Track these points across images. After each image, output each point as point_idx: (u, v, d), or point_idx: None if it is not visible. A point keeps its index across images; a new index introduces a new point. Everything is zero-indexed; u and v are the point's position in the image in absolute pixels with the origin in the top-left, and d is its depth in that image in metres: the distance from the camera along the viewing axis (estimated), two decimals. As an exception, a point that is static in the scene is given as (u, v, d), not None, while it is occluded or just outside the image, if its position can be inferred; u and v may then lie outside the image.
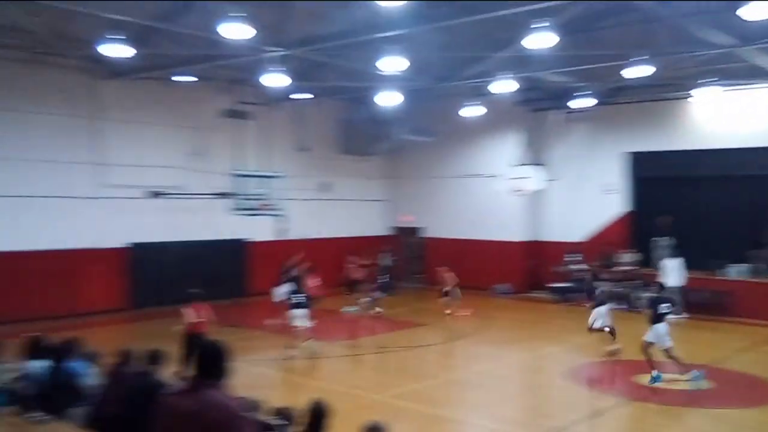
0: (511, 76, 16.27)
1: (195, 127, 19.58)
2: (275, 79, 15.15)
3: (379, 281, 19.46)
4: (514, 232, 22.27)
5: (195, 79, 18.04)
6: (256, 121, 20.28)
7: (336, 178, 23.61)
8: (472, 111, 19.66)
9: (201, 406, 3.66)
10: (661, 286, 12.77)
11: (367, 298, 18.38)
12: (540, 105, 21.45)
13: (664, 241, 18.90)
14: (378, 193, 25.39)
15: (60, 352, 7.16)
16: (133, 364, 7.23)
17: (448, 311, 18.19)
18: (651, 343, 11.27)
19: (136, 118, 18.34)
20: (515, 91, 18.72)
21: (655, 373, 11.24)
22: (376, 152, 23.99)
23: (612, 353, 13.07)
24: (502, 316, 18.72)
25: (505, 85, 16.47)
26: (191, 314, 11.23)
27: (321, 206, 22.98)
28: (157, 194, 18.62)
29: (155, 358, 6.83)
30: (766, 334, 16.02)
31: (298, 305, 13.38)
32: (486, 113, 20.13)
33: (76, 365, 7.28)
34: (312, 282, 15.89)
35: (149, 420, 4.04)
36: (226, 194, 18.17)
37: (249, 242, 20.75)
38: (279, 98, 20.34)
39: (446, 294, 18.45)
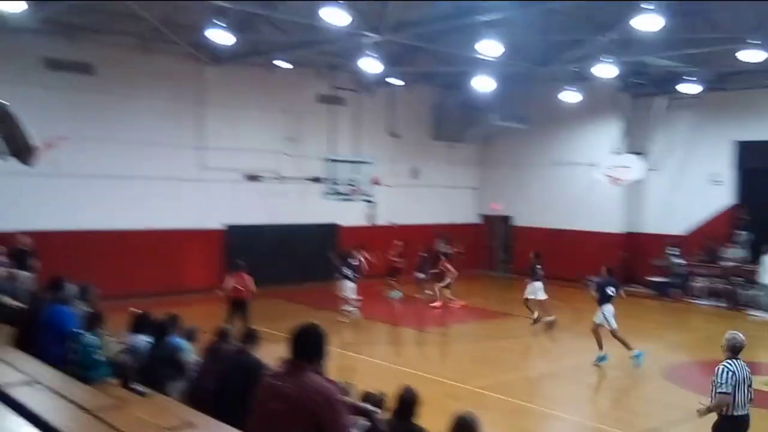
0: (613, 60, 15.62)
1: (291, 112, 19.97)
2: (370, 65, 15.20)
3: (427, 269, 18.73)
4: (611, 223, 21.54)
5: (291, 66, 18.37)
6: (349, 106, 20.47)
7: (426, 164, 23.54)
8: (570, 97, 19.05)
9: (301, 389, 3.70)
10: (610, 271, 13.02)
11: (440, 285, 17.98)
12: (642, 91, 20.53)
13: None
14: (468, 180, 25.14)
15: (162, 328, 7.45)
16: (230, 342, 7.44)
17: (436, 304, 17.68)
18: (599, 325, 11.97)
19: (235, 102, 18.91)
20: (616, 76, 18.01)
21: (601, 353, 11.83)
22: (468, 139, 23.73)
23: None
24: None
25: (606, 70, 15.87)
26: (233, 282, 12.96)
27: (410, 192, 22.99)
28: (252, 177, 19.18)
29: (251, 337, 6.98)
30: None
31: (347, 278, 15.35)
32: (584, 99, 19.47)
33: (176, 341, 7.57)
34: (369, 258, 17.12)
35: (247, 398, 4.12)
36: (319, 179, 18.48)
37: (340, 227, 21.04)
38: (373, 84, 20.45)
39: (448, 287, 17.87)
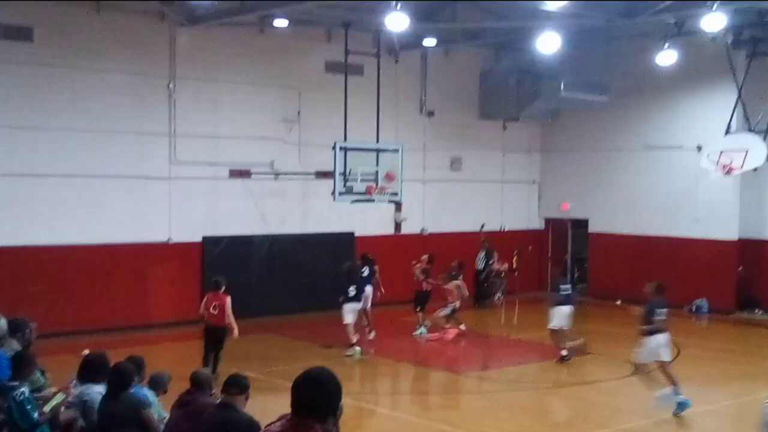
0: (724, 6, 15.44)
1: (290, 86, 20.06)
2: (394, 21, 15.18)
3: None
4: (722, 227, 21.33)
5: (286, 24, 18.42)
6: (368, 77, 20.49)
7: (471, 151, 23.51)
8: (666, 58, 18.86)
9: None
10: (564, 266, 14.58)
11: (445, 312, 17.89)
12: (763, 48, 20.29)
13: None
14: (527, 172, 25.06)
15: (121, 376, 7.46)
16: (209, 392, 7.46)
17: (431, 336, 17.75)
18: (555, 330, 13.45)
19: (217, 75, 19.03)
20: (728, 29, 17.76)
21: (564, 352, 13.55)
22: (527, 117, 23.63)
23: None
24: (700, 345, 17.99)
25: (713, 20, 15.71)
26: (207, 305, 13.44)
27: (450, 189, 22.96)
28: (239, 173, 19.28)
29: (238, 386, 6.98)
30: None
31: (348, 299, 15.84)
32: (684, 61, 19.27)
33: (140, 392, 7.55)
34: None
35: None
36: (328, 174, 18.50)
37: (356, 237, 21.07)
38: (399, 47, 20.44)
39: (453, 313, 17.79)
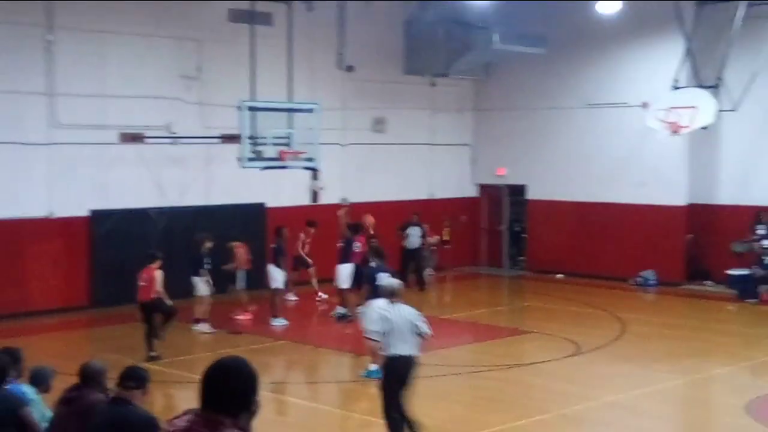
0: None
1: (189, 38, 19.76)
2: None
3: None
4: (670, 192, 21.94)
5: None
6: (279, 28, 20.33)
7: (396, 111, 23.60)
8: (608, 6, 19.22)
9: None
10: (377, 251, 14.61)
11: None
12: (712, -5, 20.84)
13: None
14: (458, 134, 25.30)
15: (-5, 370, 7.37)
16: (98, 387, 7.33)
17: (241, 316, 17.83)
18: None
19: (102, 26, 18.57)
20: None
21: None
22: (458, 72, 23.80)
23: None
24: (646, 320, 18.55)
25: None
26: (140, 280, 14.33)
27: (371, 154, 23.03)
28: (131, 138, 18.96)
29: (134, 379, 6.92)
30: None
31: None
32: (628, 10, 19.74)
33: (17, 389, 7.42)
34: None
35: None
36: (234, 137, 18.35)
37: (267, 208, 20.99)
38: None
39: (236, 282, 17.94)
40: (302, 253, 19.63)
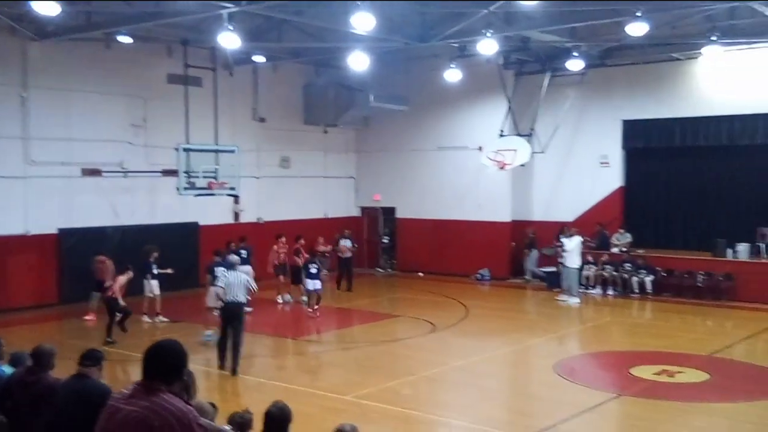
0: (496, 34, 16.22)
1: (137, 95, 19.25)
2: (227, 40, 14.96)
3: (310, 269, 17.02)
4: (499, 211, 22.39)
5: (131, 40, 17.68)
6: (207, 88, 20.04)
7: (297, 152, 23.49)
8: (453, 75, 19.66)
9: (152, 411, 3.59)
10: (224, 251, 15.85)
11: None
12: (526, 68, 21.53)
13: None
14: (345, 169, 25.34)
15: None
16: (49, 366, 6.85)
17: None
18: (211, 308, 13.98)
19: (68, 85, 17.91)
20: (500, 53, 18.75)
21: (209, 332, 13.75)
22: (344, 123, 23.89)
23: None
24: (483, 305, 18.93)
25: (487, 46, 16.39)
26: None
27: (279, 184, 22.87)
28: (91, 172, 18.34)
29: (93, 358, 6.68)
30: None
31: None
32: (467, 78, 20.20)
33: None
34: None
35: (87, 430, 3.98)
36: (173, 172, 17.98)
37: (200, 226, 20.59)
38: (233, 62, 20.12)
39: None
40: (278, 262, 18.22)
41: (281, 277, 18.38)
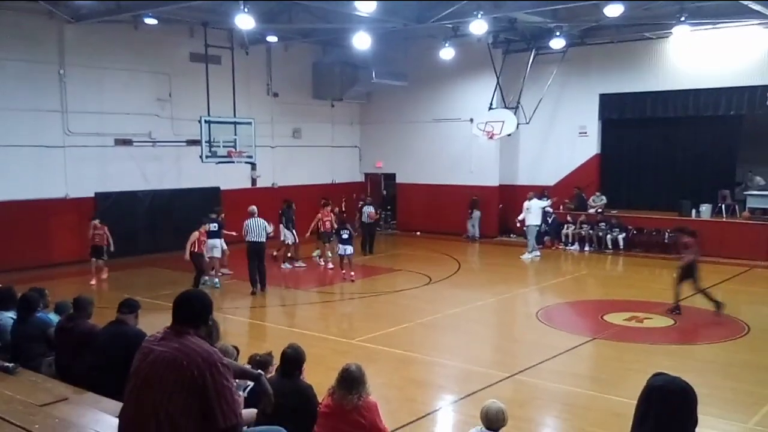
0: (486, 16, 16.03)
1: (162, 72, 19.08)
2: (243, 22, 14.75)
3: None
4: (488, 177, 22.33)
5: (156, 22, 17.45)
6: (225, 65, 19.81)
7: (307, 123, 23.33)
8: (447, 53, 19.51)
9: (181, 352, 3.61)
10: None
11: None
12: (513, 47, 21.29)
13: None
14: (350, 139, 25.20)
15: (28, 303, 7.03)
16: (86, 314, 6.77)
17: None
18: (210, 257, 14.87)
19: (100, 63, 17.77)
20: (489, 33, 18.56)
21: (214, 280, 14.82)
22: (349, 97, 23.70)
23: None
24: (474, 260, 19.01)
25: (478, 26, 16.26)
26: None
27: (291, 153, 22.75)
28: (123, 142, 18.26)
29: (129, 306, 6.73)
30: (731, 272, 16.48)
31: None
32: (459, 56, 20.05)
33: (45, 317, 7.17)
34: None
35: (125, 369, 3.99)
36: (196, 141, 17.87)
37: (221, 190, 20.53)
38: (249, 42, 19.86)
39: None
40: (323, 229, 16.95)
41: (327, 245, 17.26)
